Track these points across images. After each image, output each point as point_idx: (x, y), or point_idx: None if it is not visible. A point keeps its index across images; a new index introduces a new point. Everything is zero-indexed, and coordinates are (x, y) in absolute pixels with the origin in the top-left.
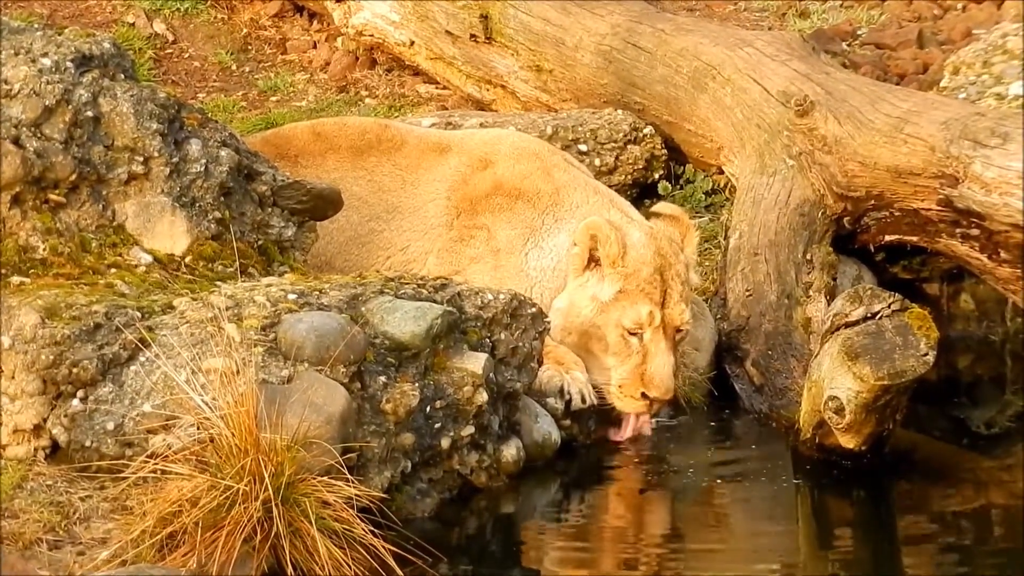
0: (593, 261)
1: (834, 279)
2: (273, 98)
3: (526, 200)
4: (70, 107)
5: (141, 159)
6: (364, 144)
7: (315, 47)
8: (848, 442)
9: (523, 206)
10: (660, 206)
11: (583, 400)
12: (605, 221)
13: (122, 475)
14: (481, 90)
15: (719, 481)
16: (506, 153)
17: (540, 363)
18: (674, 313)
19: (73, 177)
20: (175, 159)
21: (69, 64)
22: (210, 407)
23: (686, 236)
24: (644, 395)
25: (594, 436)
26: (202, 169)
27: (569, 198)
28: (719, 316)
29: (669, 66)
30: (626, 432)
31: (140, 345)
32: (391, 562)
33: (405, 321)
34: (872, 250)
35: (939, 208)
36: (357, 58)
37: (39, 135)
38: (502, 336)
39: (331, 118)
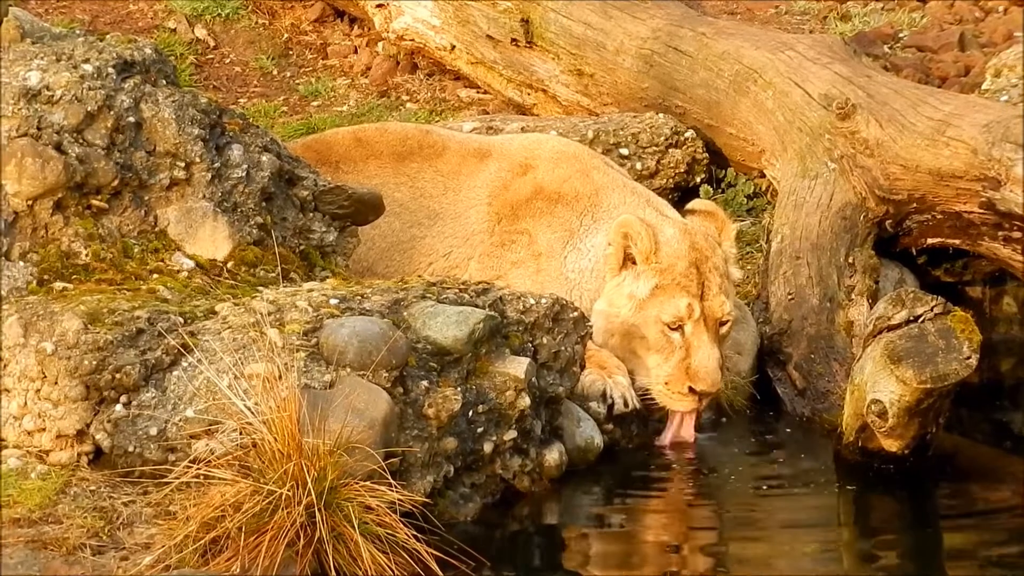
0: (628, 260)
1: (876, 282)
2: (314, 103)
3: (565, 203)
4: (112, 113)
5: (183, 165)
6: (406, 150)
7: (356, 52)
8: (891, 446)
9: (562, 209)
10: (695, 203)
11: (626, 404)
12: (637, 219)
13: (165, 480)
14: (522, 94)
15: (763, 486)
16: (546, 157)
17: (582, 367)
18: (714, 305)
19: (115, 183)
20: (217, 164)
21: (111, 70)
22: (252, 412)
23: (723, 231)
24: (691, 390)
25: (637, 441)
26: (243, 174)
27: (607, 199)
28: (761, 320)
29: (710, 70)
30: (668, 435)
31: (182, 350)
32: (434, 566)
33: (447, 326)
34: (914, 253)
35: (981, 211)
36: (398, 63)
37: (81, 141)
38: (544, 340)
39: (372, 124)
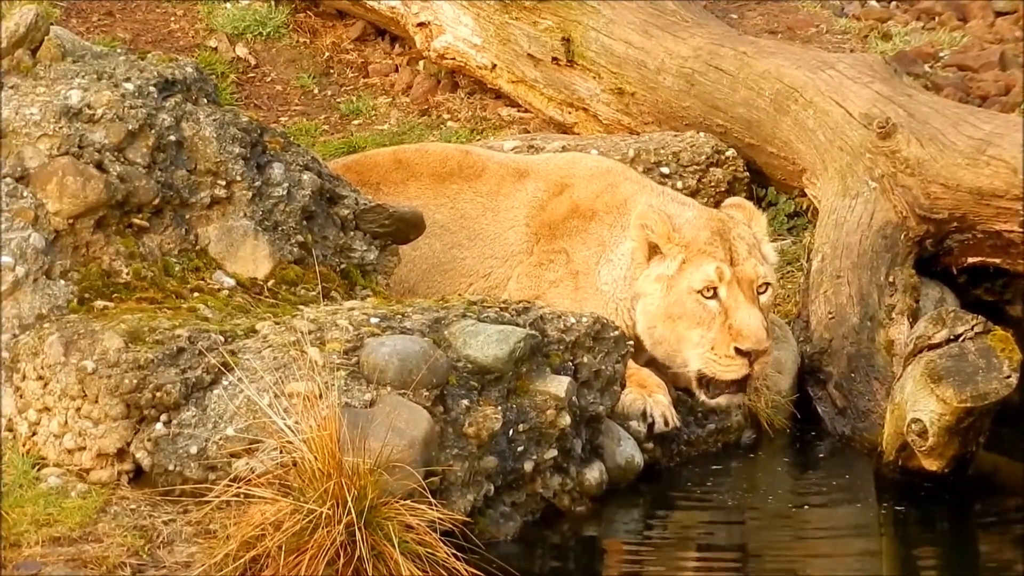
0: (653, 250)
1: (917, 301)
2: (355, 122)
3: (598, 219)
4: (153, 131)
5: (224, 183)
6: (446, 171)
7: (397, 70)
8: (931, 465)
9: (596, 225)
10: (725, 202)
11: (666, 423)
12: (649, 207)
13: (205, 499)
14: (563, 113)
15: (804, 505)
16: (581, 175)
17: (623, 386)
18: (746, 268)
19: (156, 201)
20: (258, 183)
21: (152, 89)
22: (293, 431)
23: (752, 219)
24: (739, 351)
25: (677, 459)
26: (284, 193)
27: (634, 206)
28: (802, 339)
29: (751, 88)
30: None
31: (223, 369)
32: None
33: (488, 344)
34: (954, 272)
35: (1022, 230)
36: (439, 81)
37: (122, 159)
38: (585, 359)
39: (412, 144)
